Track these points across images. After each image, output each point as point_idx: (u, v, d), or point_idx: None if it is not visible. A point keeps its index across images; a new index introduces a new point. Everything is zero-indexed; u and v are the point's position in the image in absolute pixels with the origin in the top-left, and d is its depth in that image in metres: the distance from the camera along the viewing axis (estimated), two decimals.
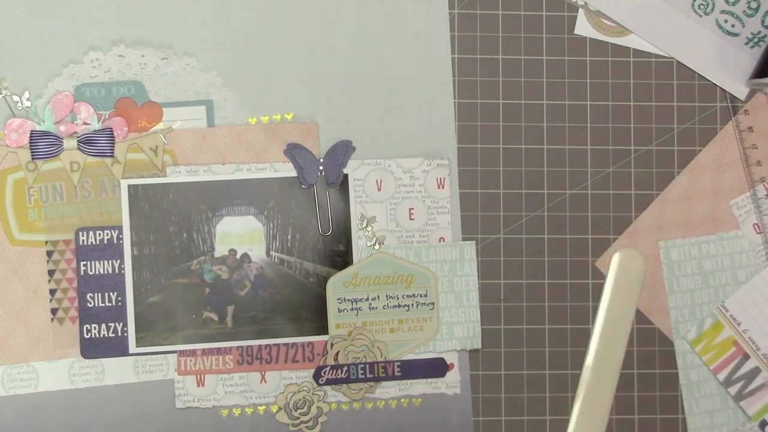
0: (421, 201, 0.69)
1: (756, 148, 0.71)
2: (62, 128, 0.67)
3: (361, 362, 0.68)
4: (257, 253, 0.68)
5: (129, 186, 0.67)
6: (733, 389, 0.70)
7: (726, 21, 0.71)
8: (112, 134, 0.67)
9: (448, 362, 0.69)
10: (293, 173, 0.68)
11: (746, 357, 0.70)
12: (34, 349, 0.67)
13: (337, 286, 0.68)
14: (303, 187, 0.68)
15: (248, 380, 0.68)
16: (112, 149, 0.67)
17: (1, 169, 0.67)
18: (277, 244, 0.68)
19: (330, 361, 0.68)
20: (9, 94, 0.67)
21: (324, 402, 0.68)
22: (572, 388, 0.70)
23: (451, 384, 0.69)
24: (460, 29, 0.70)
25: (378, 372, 0.68)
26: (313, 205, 0.69)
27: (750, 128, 0.71)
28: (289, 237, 0.69)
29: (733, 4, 0.71)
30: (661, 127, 0.71)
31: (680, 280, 0.70)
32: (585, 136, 0.71)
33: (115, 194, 0.67)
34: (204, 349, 0.68)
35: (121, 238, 0.67)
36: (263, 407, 0.68)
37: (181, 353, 0.68)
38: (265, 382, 0.68)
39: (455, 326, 0.69)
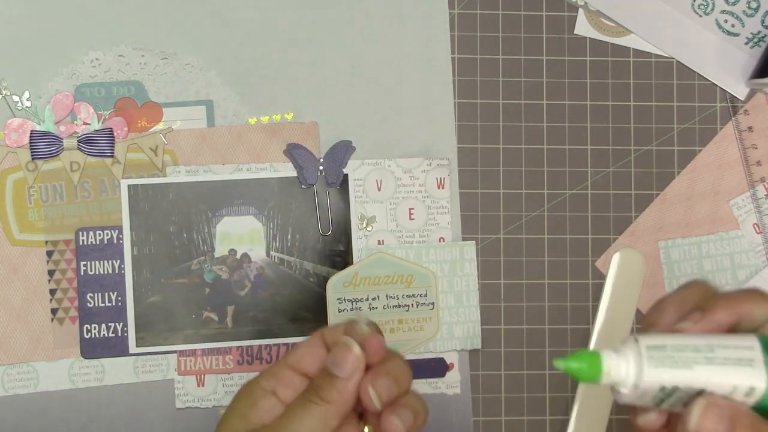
0: (421, 201, 0.69)
1: (756, 148, 0.71)
2: (62, 128, 0.67)
3: None
4: (257, 253, 0.68)
5: (129, 186, 0.67)
6: None
7: (726, 21, 0.71)
8: (112, 134, 0.67)
9: (448, 362, 0.69)
10: (293, 173, 0.68)
11: None
12: (34, 349, 0.67)
13: (337, 286, 0.68)
14: (303, 187, 0.68)
15: None
16: (112, 149, 0.67)
17: (1, 169, 0.67)
18: (277, 244, 0.68)
19: None
20: (9, 94, 0.67)
21: None
22: (572, 388, 0.70)
23: (451, 384, 0.69)
24: (460, 29, 0.70)
25: None
26: (313, 205, 0.69)
27: (750, 128, 0.71)
28: (289, 237, 0.69)
29: (733, 4, 0.71)
30: (661, 127, 0.71)
31: (680, 280, 0.70)
32: (585, 136, 0.71)
33: (115, 194, 0.67)
34: (204, 349, 0.68)
35: (121, 238, 0.67)
36: None
37: (181, 353, 0.68)
38: None
39: (455, 326, 0.69)
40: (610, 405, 0.69)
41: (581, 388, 0.69)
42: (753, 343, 0.44)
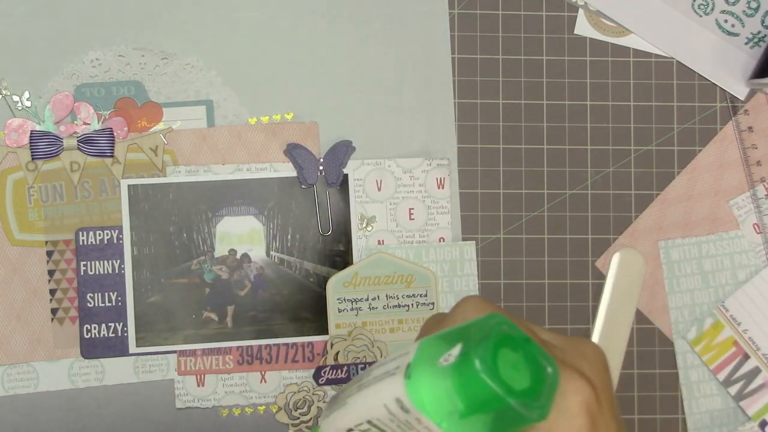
0: (421, 201, 0.69)
1: (756, 148, 0.71)
2: (62, 128, 0.67)
3: (361, 362, 0.68)
4: (257, 253, 0.68)
5: (129, 186, 0.67)
6: (733, 389, 0.70)
7: (726, 21, 0.71)
8: (112, 134, 0.67)
9: None
10: (293, 173, 0.68)
11: (746, 357, 0.70)
12: (34, 349, 0.67)
13: (337, 286, 0.68)
14: (303, 187, 0.68)
15: (248, 380, 0.68)
16: (112, 149, 0.67)
17: (1, 169, 0.67)
18: (277, 244, 0.68)
19: (330, 361, 0.68)
20: (9, 94, 0.67)
21: (324, 402, 0.68)
22: None
23: None
24: (460, 29, 0.70)
25: None
26: (313, 205, 0.69)
27: (750, 128, 0.71)
28: (289, 237, 0.69)
29: (733, 4, 0.71)
30: (661, 127, 0.71)
31: (680, 280, 0.70)
32: (585, 136, 0.71)
33: (115, 194, 0.67)
34: (204, 349, 0.68)
35: (121, 238, 0.67)
36: (263, 407, 0.68)
37: (181, 353, 0.68)
38: (265, 382, 0.68)
39: None
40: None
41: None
42: (410, 348, 0.36)
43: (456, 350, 0.33)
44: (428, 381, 0.34)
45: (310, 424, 0.68)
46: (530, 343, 0.35)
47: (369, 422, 0.36)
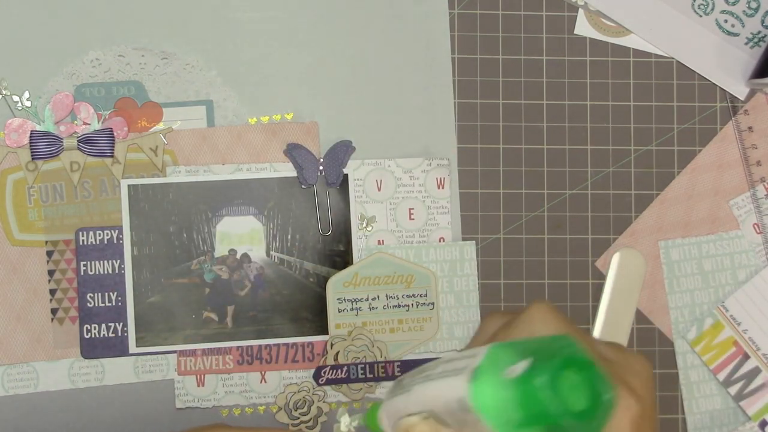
0: (421, 201, 0.69)
1: (756, 148, 0.71)
2: (62, 128, 0.67)
3: (361, 362, 0.68)
4: (257, 253, 0.68)
5: (129, 186, 0.67)
6: (733, 389, 0.70)
7: (726, 21, 0.71)
8: (112, 134, 0.67)
9: None
10: (293, 173, 0.68)
11: (746, 357, 0.70)
12: (34, 349, 0.67)
13: (337, 286, 0.68)
14: (303, 187, 0.68)
15: (248, 380, 0.68)
16: (112, 149, 0.67)
17: (1, 169, 0.67)
18: (277, 244, 0.68)
19: (330, 361, 0.68)
20: (9, 94, 0.67)
21: (324, 402, 0.68)
22: None
23: None
24: (460, 29, 0.70)
25: (378, 372, 0.68)
26: (313, 205, 0.69)
27: (750, 128, 0.71)
28: (289, 237, 0.69)
29: (733, 4, 0.71)
30: (661, 127, 0.71)
31: (680, 280, 0.70)
32: (585, 136, 0.71)
33: (115, 194, 0.67)
34: (204, 349, 0.68)
35: (121, 238, 0.67)
36: (263, 407, 0.68)
37: (181, 353, 0.68)
38: (265, 382, 0.68)
39: (455, 326, 0.69)
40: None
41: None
42: (479, 351, 0.39)
43: (522, 365, 0.36)
44: (492, 389, 0.37)
45: (310, 424, 0.68)
46: (593, 367, 0.37)
47: (430, 411, 0.40)
